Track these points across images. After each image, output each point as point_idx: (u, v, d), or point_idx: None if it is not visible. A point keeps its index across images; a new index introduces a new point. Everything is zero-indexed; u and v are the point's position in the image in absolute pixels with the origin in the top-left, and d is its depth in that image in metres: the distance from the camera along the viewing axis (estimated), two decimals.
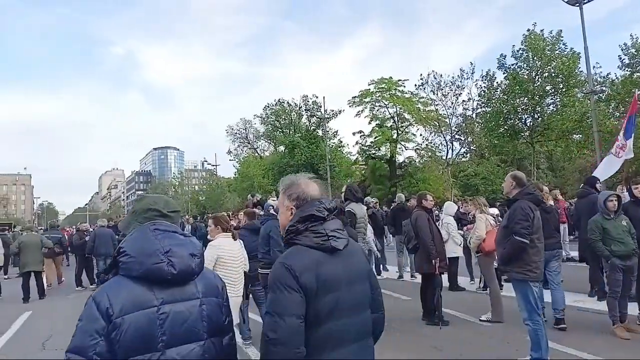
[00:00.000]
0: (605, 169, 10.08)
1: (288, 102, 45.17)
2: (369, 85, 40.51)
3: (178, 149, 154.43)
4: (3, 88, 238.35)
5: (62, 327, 7.26)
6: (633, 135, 10.00)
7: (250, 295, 5.87)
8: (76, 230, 15.60)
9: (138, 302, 1.53)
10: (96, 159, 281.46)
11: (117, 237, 12.73)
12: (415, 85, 36.09)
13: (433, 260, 6.32)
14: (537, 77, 25.41)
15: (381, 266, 11.15)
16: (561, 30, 24.91)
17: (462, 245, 8.66)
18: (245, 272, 4.91)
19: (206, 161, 50.71)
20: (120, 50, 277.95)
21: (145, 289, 1.56)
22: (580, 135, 25.62)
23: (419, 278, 7.52)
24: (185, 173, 78.39)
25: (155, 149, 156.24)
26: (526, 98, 25.45)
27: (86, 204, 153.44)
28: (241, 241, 5.08)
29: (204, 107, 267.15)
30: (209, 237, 4.79)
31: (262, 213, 6.49)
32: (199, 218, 21.55)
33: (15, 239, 14.43)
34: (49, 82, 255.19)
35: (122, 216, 45.17)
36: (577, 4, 17.13)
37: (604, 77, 26.11)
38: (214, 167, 50.49)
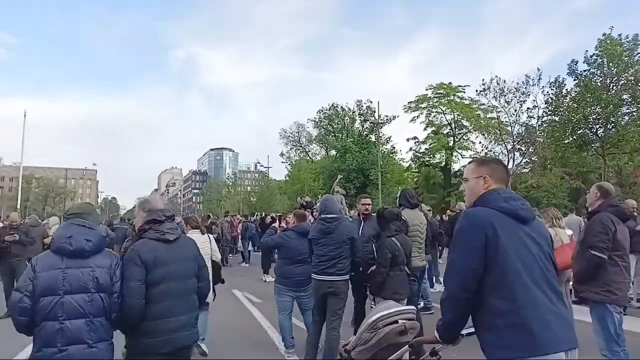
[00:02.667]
0: None
1: (342, 107, 44.98)
2: (427, 90, 39.64)
3: (233, 151, 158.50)
4: (76, 89, 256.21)
5: None
6: None
7: (295, 302, 5.55)
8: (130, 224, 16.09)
9: (51, 265, 2.62)
10: (156, 157, 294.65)
11: None
12: (477, 90, 34.50)
13: None
14: (612, 84, 23.54)
15: (434, 278, 10.47)
16: (638, 34, 23.00)
17: None
18: (214, 262, 5.75)
19: (259, 163, 51.59)
20: (182, 54, 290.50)
21: (58, 258, 2.65)
22: None
23: None
24: (238, 174, 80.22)
25: (212, 149, 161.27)
26: (599, 107, 23.63)
27: None
28: (210, 235, 6.00)
29: (260, 111, 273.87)
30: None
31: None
32: (249, 217, 21.64)
33: None
34: (115, 84, 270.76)
35: (177, 213, 46.80)
36: None
37: None
38: (267, 169, 51.16)
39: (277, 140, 58.51)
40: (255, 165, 55.34)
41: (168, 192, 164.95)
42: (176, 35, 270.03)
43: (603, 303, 3.94)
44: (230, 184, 65.89)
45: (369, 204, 5.79)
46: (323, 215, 4.99)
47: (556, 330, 1.99)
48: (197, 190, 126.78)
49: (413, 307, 2.56)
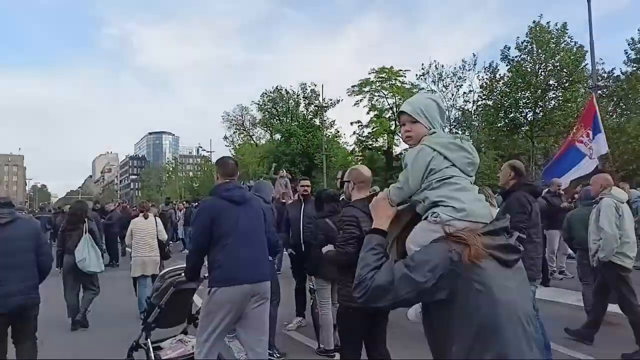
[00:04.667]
0: (580, 172, 9.54)
1: (286, 90, 44.46)
2: (369, 74, 39.97)
3: (173, 134, 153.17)
4: None
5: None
6: (602, 132, 9.49)
7: None
8: (60, 212, 15.10)
9: None
10: (90, 142, 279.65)
11: (102, 220, 12.35)
12: (417, 75, 35.55)
13: None
14: (540, 70, 24.96)
15: None
16: (566, 23, 24.47)
17: None
18: (160, 241, 6.85)
19: (201, 147, 50.12)
20: (116, 32, 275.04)
21: None
22: None
23: None
24: (179, 159, 77.74)
25: (150, 133, 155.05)
26: (528, 91, 25.02)
27: (79, 187, 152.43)
28: (156, 218, 6.99)
29: (200, 93, 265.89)
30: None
31: None
32: (191, 204, 20.99)
33: None
34: (43, 63, 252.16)
35: (113, 200, 44.59)
36: None
37: (608, 73, 25.76)
38: (209, 153, 49.89)
39: (220, 123, 57.07)
40: (197, 150, 53.82)
41: (104, 179, 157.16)
42: (108, 10, 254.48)
43: None
44: (171, 169, 63.75)
45: (307, 186, 5.78)
46: None
47: (247, 270, 3.30)
48: (135, 176, 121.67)
49: None
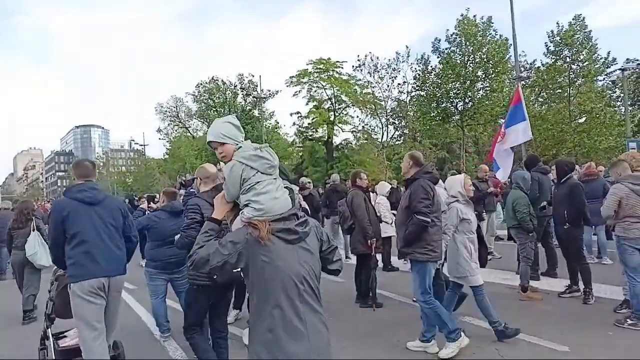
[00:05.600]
0: (507, 165, 10.13)
1: (222, 81, 43.35)
2: (307, 65, 39.93)
3: (103, 128, 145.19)
4: None
5: None
6: (527, 119, 10.11)
7: (169, 283, 5.25)
8: None
9: None
10: (10, 137, 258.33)
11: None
12: (353, 66, 36.12)
13: (369, 241, 6.05)
14: (469, 62, 26.14)
15: None
16: (491, 17, 25.76)
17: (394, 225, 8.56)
18: None
19: (133, 140, 47.80)
20: (35, 20, 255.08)
21: None
22: None
23: (353, 259, 7.25)
24: (110, 153, 73.86)
25: (77, 127, 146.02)
26: (458, 82, 26.15)
27: None
28: None
29: (132, 85, 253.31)
30: None
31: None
32: (125, 200, 20.00)
33: None
34: None
35: (39, 199, 41.51)
36: None
37: (530, 64, 27.48)
38: (142, 147, 47.70)
39: (153, 115, 54.82)
40: (130, 144, 51.27)
41: (27, 177, 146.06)
42: None
43: (426, 262, 4.37)
44: (102, 164, 60.40)
45: None
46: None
47: (99, 264, 3.56)
48: (63, 173, 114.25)
49: None
